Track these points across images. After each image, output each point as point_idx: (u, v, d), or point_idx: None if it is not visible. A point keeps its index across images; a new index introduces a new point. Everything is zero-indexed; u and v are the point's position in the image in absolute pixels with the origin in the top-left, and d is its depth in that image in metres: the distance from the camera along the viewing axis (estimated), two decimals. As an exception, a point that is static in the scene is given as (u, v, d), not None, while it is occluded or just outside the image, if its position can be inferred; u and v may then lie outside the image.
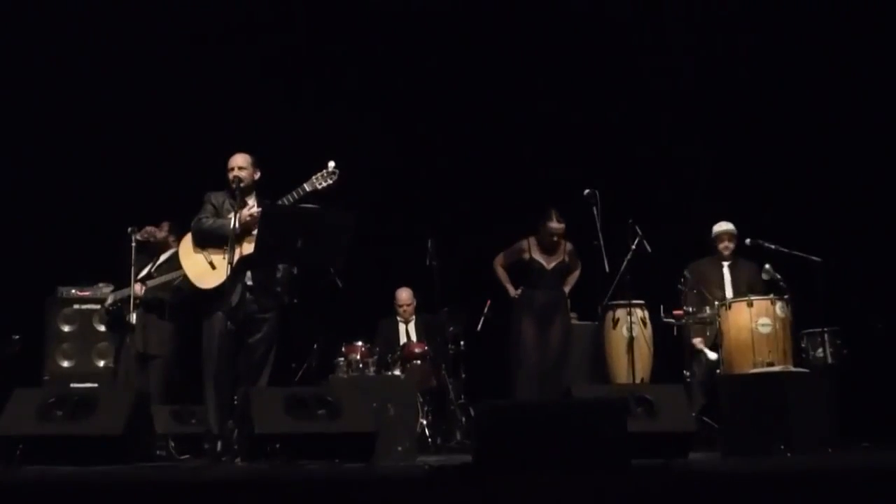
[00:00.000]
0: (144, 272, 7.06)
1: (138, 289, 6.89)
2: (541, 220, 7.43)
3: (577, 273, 7.61)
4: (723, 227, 7.55)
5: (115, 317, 7.24)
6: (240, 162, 5.96)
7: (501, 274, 7.60)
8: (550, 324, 7.38)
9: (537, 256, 7.47)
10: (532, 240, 7.50)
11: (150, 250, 7.19)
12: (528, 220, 7.62)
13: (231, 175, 5.90)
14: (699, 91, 9.06)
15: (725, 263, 7.51)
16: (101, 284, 7.95)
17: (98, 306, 7.87)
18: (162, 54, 8.68)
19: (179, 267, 6.11)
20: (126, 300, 6.91)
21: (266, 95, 8.89)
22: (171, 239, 7.17)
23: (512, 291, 7.52)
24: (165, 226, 7.23)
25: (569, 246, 7.52)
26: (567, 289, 7.56)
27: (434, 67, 9.21)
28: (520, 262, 7.53)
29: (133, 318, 6.81)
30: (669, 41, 9.16)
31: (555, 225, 7.40)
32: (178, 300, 6.74)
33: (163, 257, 7.14)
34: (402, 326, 8.39)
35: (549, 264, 7.45)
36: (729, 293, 7.30)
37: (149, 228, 7.17)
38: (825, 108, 8.66)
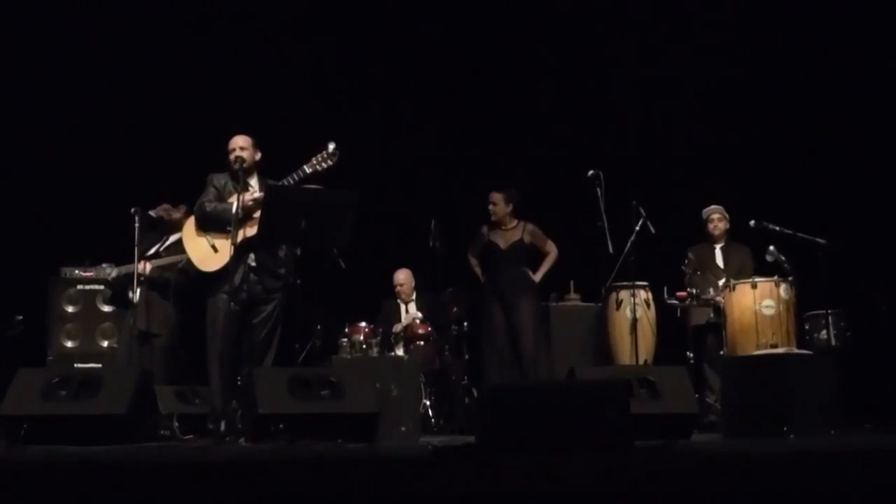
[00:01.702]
0: (152, 251, 7.06)
1: (143, 267, 6.89)
2: None
3: (551, 256, 7.61)
4: (711, 208, 7.62)
5: (117, 292, 7.25)
6: (240, 143, 5.96)
7: (475, 264, 7.71)
8: (516, 306, 7.39)
9: (493, 238, 7.56)
10: (489, 224, 7.58)
11: (162, 229, 7.19)
12: (530, 201, 7.63)
13: (233, 156, 5.90)
14: (704, 73, 9.01)
15: (717, 246, 7.56)
16: (104, 265, 7.95)
17: (102, 287, 7.89)
18: (164, 34, 8.66)
19: (185, 250, 6.12)
20: (130, 276, 6.93)
21: (267, 75, 8.87)
22: (185, 222, 7.19)
23: (483, 280, 7.62)
24: (182, 208, 7.20)
25: (529, 226, 7.57)
26: (539, 274, 7.55)
27: (436, 45, 9.17)
28: (482, 247, 7.62)
29: (136, 295, 6.81)
30: (676, 24, 9.11)
31: (493, 193, 7.50)
32: (182, 282, 6.73)
33: (172, 238, 7.13)
34: (402, 307, 8.41)
35: (505, 244, 7.49)
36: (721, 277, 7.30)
37: (165, 206, 7.16)
38: (829, 89, 8.62)
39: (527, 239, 7.54)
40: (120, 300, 7.23)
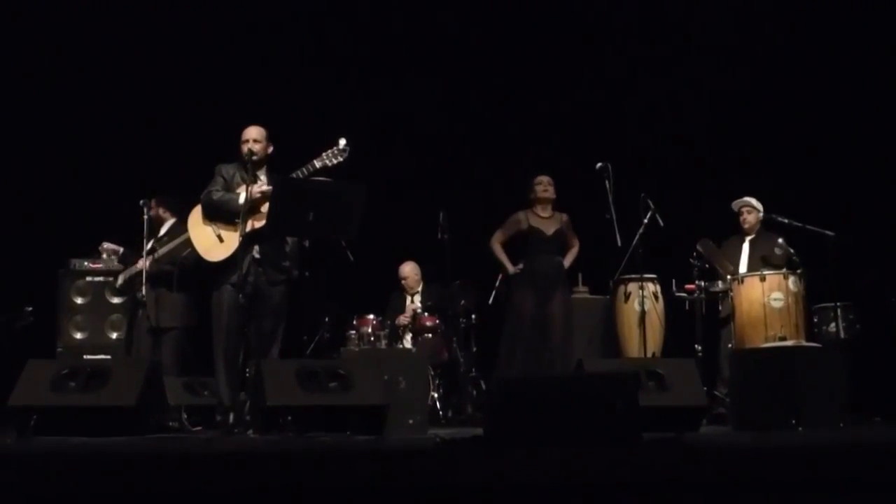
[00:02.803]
0: (148, 246, 7.06)
1: (144, 265, 6.90)
2: (530, 185, 7.47)
3: (575, 249, 7.55)
4: (740, 200, 7.54)
5: (129, 294, 7.31)
6: (254, 134, 5.92)
7: (499, 252, 7.52)
8: (551, 298, 7.31)
9: (536, 224, 7.43)
10: (528, 211, 7.49)
11: (150, 229, 7.21)
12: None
13: (245, 147, 5.88)
14: (713, 65, 8.98)
15: (748, 238, 7.47)
16: (113, 257, 7.97)
17: (111, 278, 7.91)
18: (175, 25, 8.66)
19: (179, 234, 6.12)
20: (135, 276, 6.95)
21: (277, 68, 8.87)
22: (162, 211, 7.22)
23: (511, 268, 7.44)
24: (151, 203, 7.21)
25: (564, 217, 7.51)
26: (566, 263, 7.52)
27: (445, 37, 9.16)
28: (519, 234, 7.48)
29: (143, 292, 6.82)
30: (685, 18, 9.08)
31: (541, 176, 7.43)
32: (184, 271, 6.74)
33: (162, 231, 7.18)
34: (408, 298, 8.43)
35: (549, 231, 7.41)
36: (743, 268, 7.26)
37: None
38: (839, 82, 8.59)
39: (564, 228, 7.50)
40: (131, 303, 7.29)
